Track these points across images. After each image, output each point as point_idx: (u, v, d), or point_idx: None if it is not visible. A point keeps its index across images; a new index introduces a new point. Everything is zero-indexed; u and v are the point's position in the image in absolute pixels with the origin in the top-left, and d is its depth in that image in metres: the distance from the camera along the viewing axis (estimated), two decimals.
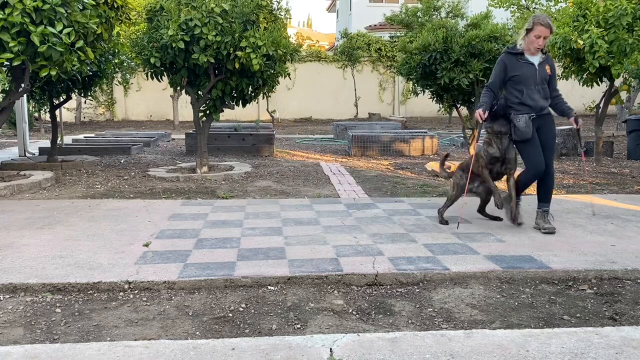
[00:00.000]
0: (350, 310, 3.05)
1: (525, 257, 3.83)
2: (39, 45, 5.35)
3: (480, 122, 4.51)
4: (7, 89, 7.11)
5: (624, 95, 13.10)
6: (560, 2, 17.10)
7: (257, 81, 7.35)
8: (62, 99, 8.71)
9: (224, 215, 5.10)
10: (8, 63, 5.93)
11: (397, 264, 3.64)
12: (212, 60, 6.77)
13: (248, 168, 8.17)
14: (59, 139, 9.34)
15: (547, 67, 4.60)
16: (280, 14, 7.40)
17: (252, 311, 3.03)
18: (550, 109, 4.68)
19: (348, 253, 3.89)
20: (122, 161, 9.25)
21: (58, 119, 8.96)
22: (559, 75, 8.84)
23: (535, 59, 4.58)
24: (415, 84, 8.61)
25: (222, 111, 7.69)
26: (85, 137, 12.70)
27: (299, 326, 2.84)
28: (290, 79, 8.44)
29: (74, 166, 8.20)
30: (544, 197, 4.64)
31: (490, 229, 4.63)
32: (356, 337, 2.60)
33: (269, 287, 3.36)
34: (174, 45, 6.55)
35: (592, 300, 3.20)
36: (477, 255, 3.85)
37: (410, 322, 2.91)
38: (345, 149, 11.04)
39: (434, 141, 10.50)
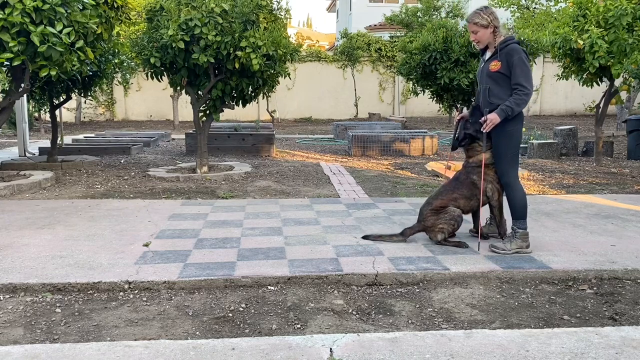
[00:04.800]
0: (350, 310, 3.05)
1: (525, 257, 3.83)
2: (39, 45, 5.34)
3: None
4: (7, 89, 7.11)
5: (624, 95, 13.10)
6: (560, 2, 17.11)
7: (257, 81, 7.34)
8: (62, 99, 8.70)
9: (224, 215, 5.10)
10: (8, 63, 5.93)
11: (397, 264, 3.64)
12: (212, 60, 6.77)
13: (248, 168, 8.17)
14: (59, 139, 9.34)
15: (495, 63, 3.86)
16: (280, 14, 7.39)
17: (252, 311, 3.03)
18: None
19: (348, 253, 3.89)
20: (122, 161, 9.25)
21: (58, 119, 8.95)
22: (558, 75, 8.88)
23: (487, 54, 4.03)
24: (415, 84, 8.62)
25: (222, 111, 7.69)
26: (85, 137, 12.69)
27: (299, 326, 2.84)
28: (290, 79, 8.44)
29: (74, 166, 8.20)
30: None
31: None
32: (356, 337, 2.60)
33: (269, 287, 3.36)
34: (174, 45, 6.54)
35: (592, 300, 3.20)
36: (477, 255, 3.85)
37: (410, 322, 2.91)
38: (345, 149, 11.04)
39: (434, 141, 10.50)
